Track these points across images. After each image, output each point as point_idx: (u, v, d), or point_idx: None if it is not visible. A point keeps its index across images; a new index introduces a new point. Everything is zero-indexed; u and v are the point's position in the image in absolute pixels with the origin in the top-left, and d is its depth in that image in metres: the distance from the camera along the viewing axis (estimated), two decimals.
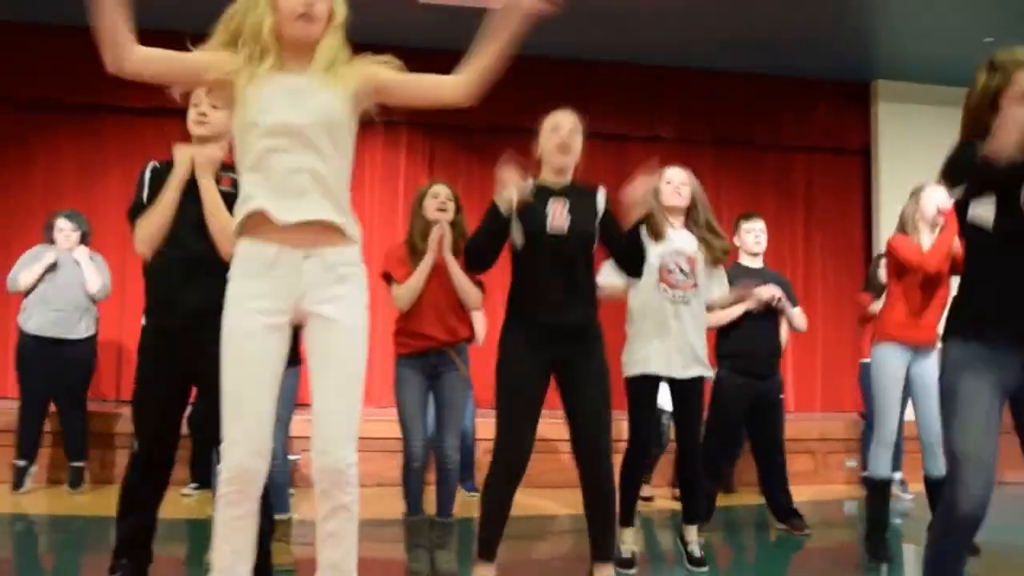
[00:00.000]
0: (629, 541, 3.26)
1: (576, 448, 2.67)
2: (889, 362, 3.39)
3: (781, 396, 4.15)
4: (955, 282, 2.13)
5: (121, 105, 5.93)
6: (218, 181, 2.39)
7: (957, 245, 3.24)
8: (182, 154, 2.38)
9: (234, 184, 2.31)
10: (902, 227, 3.46)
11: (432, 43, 6.08)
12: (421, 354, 3.12)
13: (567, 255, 2.63)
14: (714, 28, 5.75)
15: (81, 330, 4.48)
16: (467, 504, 4.05)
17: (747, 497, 4.77)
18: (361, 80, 1.88)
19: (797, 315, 4.03)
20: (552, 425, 2.94)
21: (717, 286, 3.38)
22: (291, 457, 3.68)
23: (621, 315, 3.31)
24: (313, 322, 1.82)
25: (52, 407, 4.53)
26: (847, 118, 6.73)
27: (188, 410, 2.57)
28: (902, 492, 4.90)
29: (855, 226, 6.83)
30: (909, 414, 3.52)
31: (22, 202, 5.92)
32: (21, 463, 4.40)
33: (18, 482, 4.40)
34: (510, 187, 2.53)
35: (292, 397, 3.14)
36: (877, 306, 3.92)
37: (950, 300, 2.15)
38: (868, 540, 3.44)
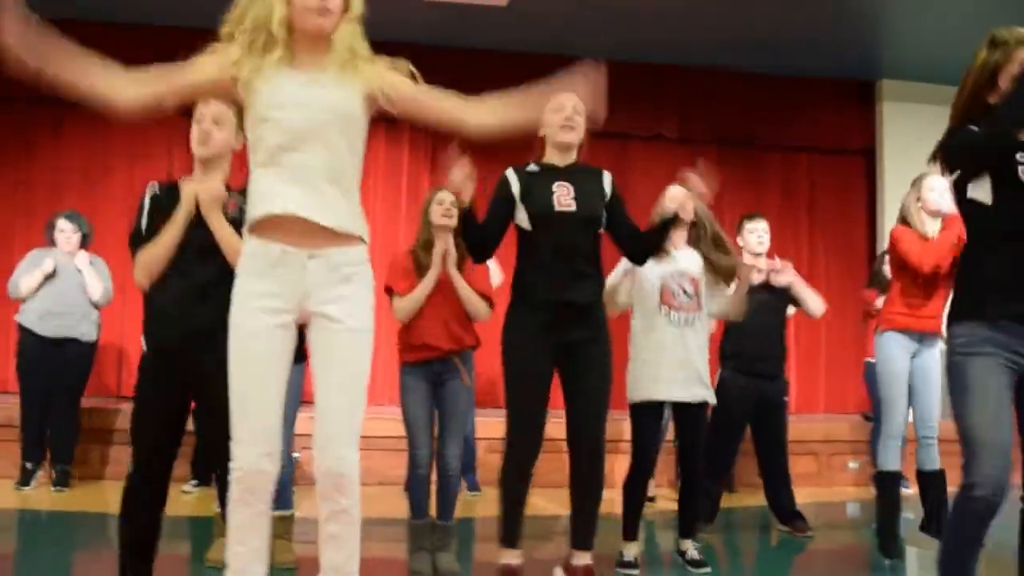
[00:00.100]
0: (632, 551, 3.26)
1: (571, 438, 2.65)
2: (894, 352, 3.38)
3: (785, 398, 4.13)
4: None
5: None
6: (224, 208, 2.36)
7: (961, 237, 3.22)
8: (187, 192, 2.35)
9: (238, 207, 2.32)
10: (903, 218, 3.45)
11: (437, 41, 6.09)
12: (425, 362, 3.12)
13: (573, 235, 2.61)
14: (717, 27, 5.73)
15: (82, 332, 4.48)
16: (468, 503, 4.04)
17: (749, 498, 4.75)
18: (378, 84, 1.86)
19: (811, 297, 3.89)
20: (554, 425, 2.93)
21: (716, 305, 3.31)
22: (293, 455, 3.67)
23: (623, 332, 3.26)
24: (317, 322, 1.81)
25: None
26: (851, 118, 6.71)
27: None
28: (903, 487, 4.88)
29: (859, 227, 6.81)
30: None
31: (25, 199, 5.93)
32: (28, 465, 4.43)
33: (25, 481, 4.42)
34: (459, 186, 2.49)
35: (297, 394, 3.14)
36: (881, 302, 3.90)
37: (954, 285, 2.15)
38: (880, 537, 3.42)
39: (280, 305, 1.79)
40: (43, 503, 4.22)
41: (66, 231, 4.49)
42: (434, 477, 3.19)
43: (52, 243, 4.54)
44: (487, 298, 3.17)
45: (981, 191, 1.98)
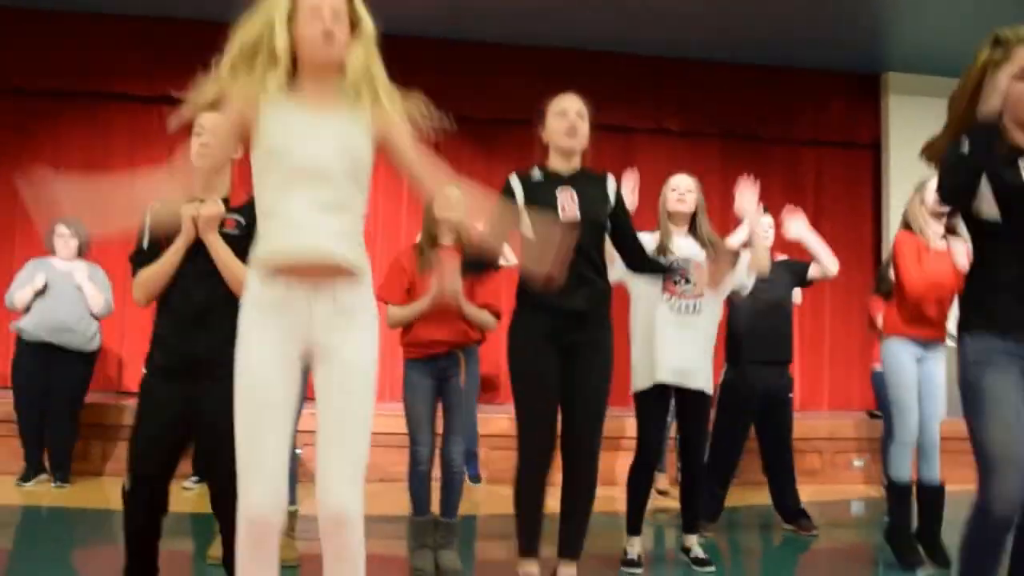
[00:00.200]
0: (636, 546, 3.23)
1: (565, 440, 2.61)
2: (901, 359, 3.35)
3: (791, 395, 4.10)
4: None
5: (125, 93, 5.91)
6: (222, 224, 2.33)
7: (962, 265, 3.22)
8: (186, 215, 2.31)
9: (238, 225, 2.31)
10: (907, 223, 3.42)
11: (438, 33, 6.06)
12: (429, 358, 3.10)
13: (578, 244, 2.56)
14: (721, 20, 5.68)
15: (79, 345, 4.47)
16: (471, 502, 4.02)
17: (752, 497, 4.73)
18: (385, 130, 1.82)
19: (825, 253, 3.78)
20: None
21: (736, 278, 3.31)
22: (296, 451, 3.65)
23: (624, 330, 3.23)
24: (321, 361, 1.78)
25: None
26: (857, 111, 6.66)
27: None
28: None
29: (865, 220, 6.76)
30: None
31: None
32: (30, 471, 4.44)
33: (26, 477, 4.43)
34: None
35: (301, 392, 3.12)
36: (881, 320, 3.86)
37: (959, 295, 2.10)
38: (899, 550, 3.36)
39: (285, 345, 1.76)
40: (44, 499, 4.21)
41: (64, 236, 4.52)
42: (437, 473, 3.17)
43: (52, 248, 4.56)
44: (494, 310, 3.16)
45: (985, 204, 1.94)
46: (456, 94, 6.20)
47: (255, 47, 1.76)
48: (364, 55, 1.80)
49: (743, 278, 3.35)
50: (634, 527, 3.25)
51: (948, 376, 3.25)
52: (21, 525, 3.84)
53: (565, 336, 2.56)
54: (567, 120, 2.60)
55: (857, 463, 5.40)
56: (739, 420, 3.90)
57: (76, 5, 5.73)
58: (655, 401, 3.18)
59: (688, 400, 3.21)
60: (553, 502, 2.72)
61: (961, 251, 3.25)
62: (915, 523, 3.39)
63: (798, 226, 3.75)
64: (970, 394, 1.92)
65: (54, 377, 4.41)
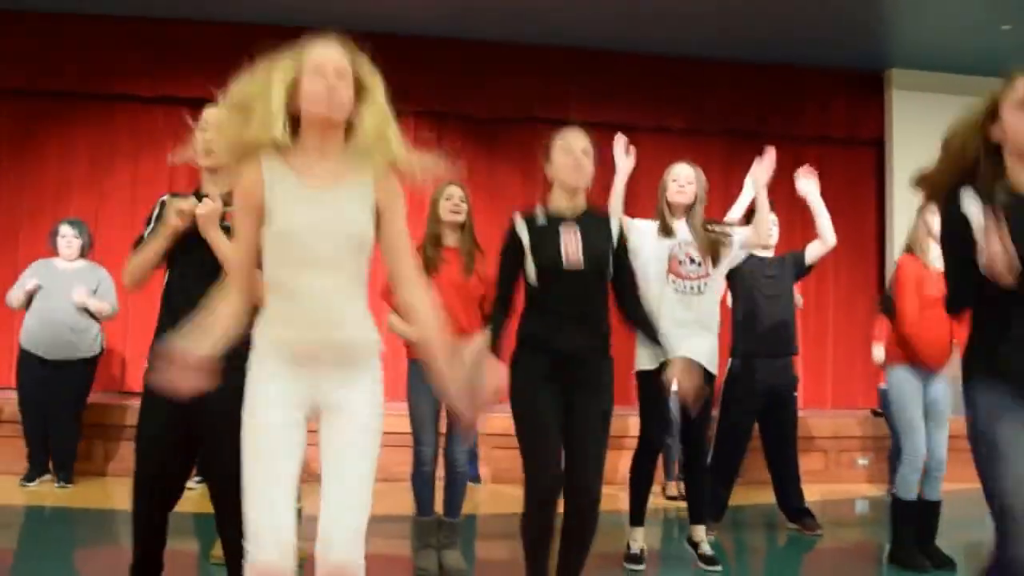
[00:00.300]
0: (639, 539, 3.22)
1: (567, 477, 2.51)
2: (906, 387, 3.35)
3: (795, 392, 4.09)
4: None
5: (131, 94, 5.91)
6: (223, 218, 2.33)
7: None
8: (171, 206, 2.31)
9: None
10: (910, 247, 3.43)
11: (440, 33, 6.05)
12: None
13: (580, 291, 2.52)
14: (724, 18, 5.66)
15: (81, 350, 4.47)
16: (473, 501, 4.01)
17: (756, 496, 4.71)
18: (385, 203, 1.80)
19: (826, 220, 3.76)
20: None
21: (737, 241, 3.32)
22: None
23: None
24: (327, 416, 1.79)
25: None
26: (860, 108, 6.63)
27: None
28: None
29: (868, 217, 6.74)
30: None
31: (34, 193, 5.91)
32: (34, 471, 4.46)
33: (30, 477, 4.44)
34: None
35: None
36: (881, 353, 3.84)
37: (966, 334, 2.01)
38: (899, 553, 3.36)
39: (292, 401, 1.77)
40: (47, 499, 4.22)
41: (67, 236, 4.53)
42: (440, 473, 3.17)
43: (55, 249, 4.57)
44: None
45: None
46: (458, 93, 6.22)
47: (250, 104, 1.74)
48: (376, 119, 1.77)
49: (738, 254, 3.34)
50: (637, 517, 3.22)
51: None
52: (25, 525, 3.84)
53: (565, 374, 2.50)
54: (572, 157, 2.55)
55: (861, 462, 5.38)
56: (743, 416, 3.88)
57: (78, 7, 5.74)
58: (658, 381, 3.15)
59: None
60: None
61: None
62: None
63: (809, 185, 3.73)
64: (983, 446, 1.85)
65: (57, 380, 4.41)
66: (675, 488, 4.65)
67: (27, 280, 4.48)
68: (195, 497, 4.17)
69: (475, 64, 6.15)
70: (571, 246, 2.51)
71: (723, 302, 3.47)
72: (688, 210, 3.25)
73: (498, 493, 4.64)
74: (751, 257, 3.91)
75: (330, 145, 1.78)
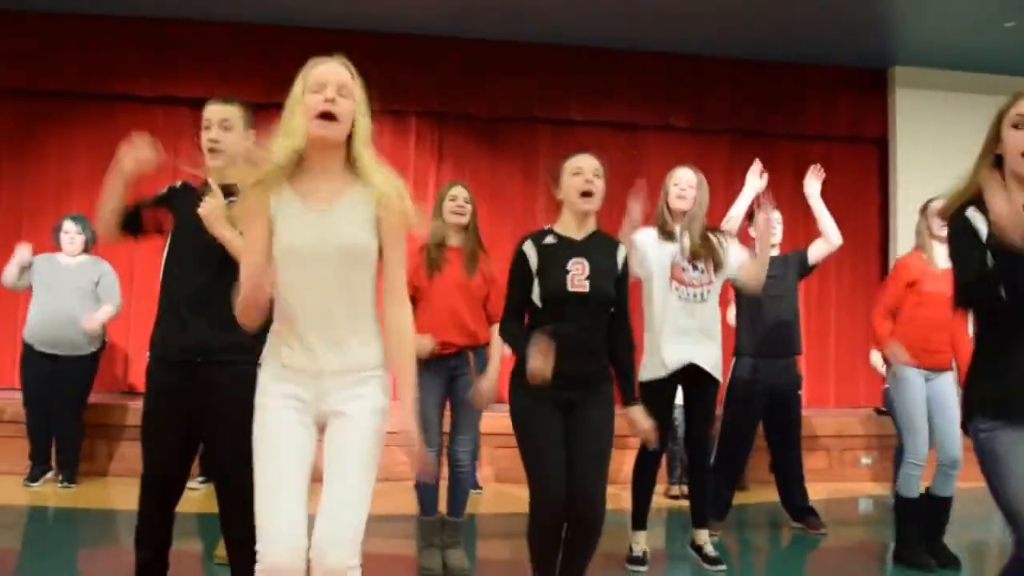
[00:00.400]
0: (641, 542, 3.22)
1: (570, 490, 2.48)
2: (909, 387, 3.35)
3: (799, 392, 4.08)
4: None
5: (132, 94, 5.91)
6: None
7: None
8: (122, 155, 2.30)
9: None
10: (918, 246, 3.47)
11: (441, 32, 6.04)
12: (439, 358, 3.10)
13: (583, 315, 2.51)
14: (728, 17, 5.65)
15: (83, 346, 4.48)
16: (474, 500, 4.01)
17: (760, 495, 4.71)
18: (385, 220, 1.82)
19: (829, 224, 3.77)
20: None
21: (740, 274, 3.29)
22: None
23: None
24: (331, 422, 1.81)
25: None
26: (864, 105, 6.61)
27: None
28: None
29: (872, 216, 6.72)
30: None
31: (35, 193, 5.92)
32: (37, 470, 4.46)
33: (33, 477, 4.45)
34: (534, 372, 2.37)
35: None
36: (879, 360, 3.84)
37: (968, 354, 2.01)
38: (903, 553, 3.36)
39: (301, 407, 1.81)
40: (50, 499, 4.22)
41: (70, 232, 4.54)
42: (444, 473, 3.16)
43: (58, 245, 4.57)
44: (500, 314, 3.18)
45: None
46: (458, 92, 6.20)
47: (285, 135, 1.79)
48: (368, 157, 1.80)
49: (732, 273, 3.28)
50: (639, 522, 3.23)
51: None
52: (28, 526, 3.85)
53: (567, 394, 2.49)
54: (582, 178, 2.53)
55: (865, 460, 5.37)
56: (748, 415, 3.87)
57: (78, 7, 5.73)
58: (661, 390, 3.17)
59: (695, 385, 3.20)
60: None
61: None
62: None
63: (814, 187, 3.75)
64: (990, 461, 1.87)
65: (61, 375, 4.42)
66: (678, 490, 4.65)
67: (20, 253, 4.47)
68: (198, 497, 4.18)
69: (476, 63, 6.14)
70: (578, 273, 2.50)
71: (722, 302, 3.46)
72: (686, 216, 3.23)
73: (501, 493, 4.64)
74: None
75: (332, 164, 1.81)
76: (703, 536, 3.29)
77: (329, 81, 1.77)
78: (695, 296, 3.16)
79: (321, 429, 1.83)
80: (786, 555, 3.79)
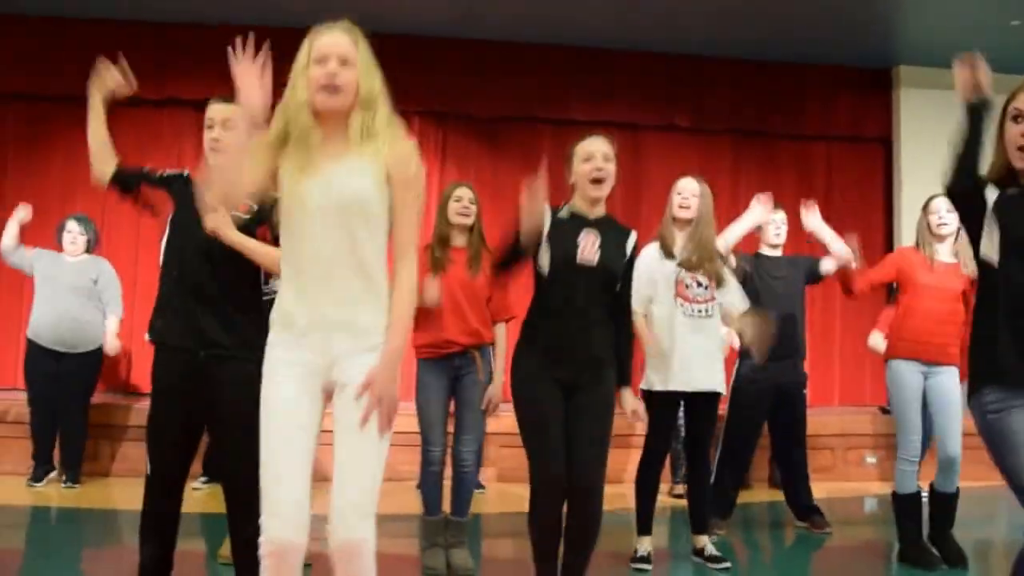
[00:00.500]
0: (646, 545, 3.22)
1: (570, 478, 2.50)
2: (905, 380, 3.34)
3: (804, 391, 4.07)
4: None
5: (135, 96, 5.91)
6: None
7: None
8: (93, 83, 2.47)
9: (250, 208, 2.34)
10: (918, 243, 3.48)
11: (443, 33, 6.04)
12: (444, 357, 3.10)
13: (589, 288, 2.51)
14: (730, 17, 5.64)
15: (88, 343, 4.49)
16: (477, 500, 4.01)
17: (765, 494, 4.70)
18: (392, 175, 1.82)
19: (838, 243, 3.73)
20: None
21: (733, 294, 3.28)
22: None
23: None
24: (340, 391, 1.80)
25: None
26: (868, 105, 6.59)
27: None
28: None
29: (876, 215, 6.70)
30: None
31: (40, 195, 5.92)
32: (40, 470, 4.47)
33: (37, 477, 4.46)
34: (530, 214, 2.39)
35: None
36: (879, 341, 3.83)
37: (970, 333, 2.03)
38: (908, 552, 3.35)
39: (307, 376, 1.80)
40: (54, 499, 4.23)
41: (73, 232, 4.56)
42: (448, 472, 3.16)
43: (61, 245, 4.59)
44: (508, 312, 3.20)
45: (991, 248, 1.90)
46: (460, 93, 6.20)
47: (287, 114, 1.82)
48: (364, 120, 1.81)
49: (727, 298, 3.25)
50: (644, 527, 3.23)
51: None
52: (32, 526, 3.85)
53: (568, 375, 2.49)
54: (593, 164, 2.53)
55: (870, 459, 5.34)
56: (752, 416, 3.86)
57: (82, 11, 5.75)
58: (665, 401, 3.18)
59: (699, 399, 3.23)
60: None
61: (968, 256, 3.24)
62: (927, 526, 3.38)
63: (814, 219, 3.75)
64: (997, 439, 1.86)
65: (64, 372, 4.43)
66: (682, 488, 4.64)
67: (19, 213, 4.50)
68: (201, 497, 4.19)
69: (477, 64, 6.14)
70: (588, 245, 2.51)
71: None
72: (691, 223, 3.22)
73: (504, 492, 4.63)
74: (761, 257, 3.90)
75: (340, 128, 1.82)
76: (703, 540, 3.30)
77: (331, 54, 1.78)
78: (700, 312, 3.17)
79: (329, 395, 1.82)
80: (791, 554, 3.77)
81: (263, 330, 1.88)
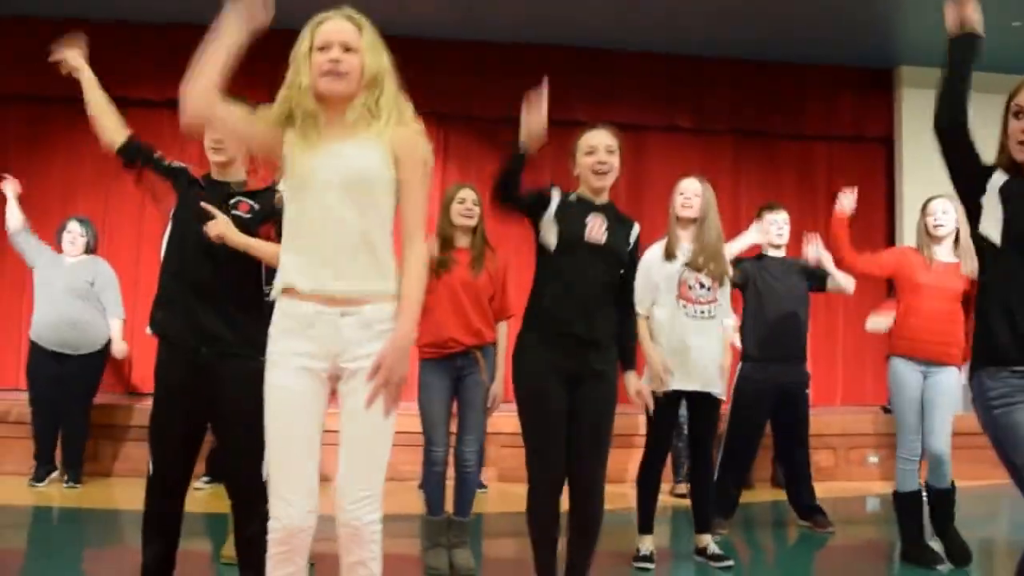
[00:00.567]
0: (648, 544, 3.21)
1: (570, 473, 2.51)
2: (904, 378, 3.35)
3: (807, 391, 4.06)
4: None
5: (138, 97, 5.92)
6: (236, 207, 2.36)
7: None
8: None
9: (251, 209, 2.35)
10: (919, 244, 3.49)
11: (445, 34, 6.05)
12: (446, 357, 3.11)
13: (596, 267, 2.52)
14: (731, 17, 5.64)
15: (90, 343, 4.50)
16: (478, 500, 4.00)
17: (768, 493, 4.70)
18: (399, 155, 1.83)
19: (842, 277, 3.80)
20: None
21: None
22: None
23: None
24: (347, 378, 1.80)
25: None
26: (869, 105, 6.59)
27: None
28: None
29: (878, 215, 6.70)
30: None
31: (42, 195, 5.93)
32: (42, 470, 4.48)
33: (39, 477, 4.46)
34: (530, 125, 2.43)
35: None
36: (881, 322, 3.84)
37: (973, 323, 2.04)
38: (910, 550, 3.35)
39: (315, 363, 1.80)
40: (55, 499, 4.23)
41: (72, 233, 4.57)
42: (450, 472, 3.16)
43: (60, 246, 4.60)
44: (509, 311, 3.21)
45: (991, 225, 1.91)
46: (463, 94, 6.20)
47: (293, 90, 1.84)
48: (366, 101, 1.82)
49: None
50: (645, 526, 3.23)
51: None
52: (34, 526, 3.85)
53: (572, 364, 2.48)
54: (596, 157, 2.56)
55: (872, 459, 5.34)
56: (755, 415, 3.86)
57: (84, 12, 5.76)
58: (667, 402, 3.18)
59: (700, 402, 3.24)
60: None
61: (968, 255, 3.24)
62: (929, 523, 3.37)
63: (815, 250, 3.79)
64: (1002, 435, 1.85)
65: (66, 374, 4.44)
66: (684, 487, 4.64)
67: (7, 188, 4.55)
68: (204, 497, 4.19)
69: (479, 65, 6.15)
70: (597, 225, 2.53)
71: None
72: (695, 223, 3.23)
73: (505, 492, 4.63)
74: (763, 258, 3.90)
75: (346, 111, 1.82)
76: (706, 539, 3.30)
77: (334, 41, 1.80)
78: (702, 313, 3.18)
79: (334, 383, 1.82)
80: (794, 553, 3.77)
81: (266, 328, 1.88)
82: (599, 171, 2.55)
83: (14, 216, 4.55)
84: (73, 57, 2.45)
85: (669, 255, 3.21)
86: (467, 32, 5.98)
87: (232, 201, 2.36)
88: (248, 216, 2.34)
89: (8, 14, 5.75)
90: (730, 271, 3.33)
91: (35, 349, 4.49)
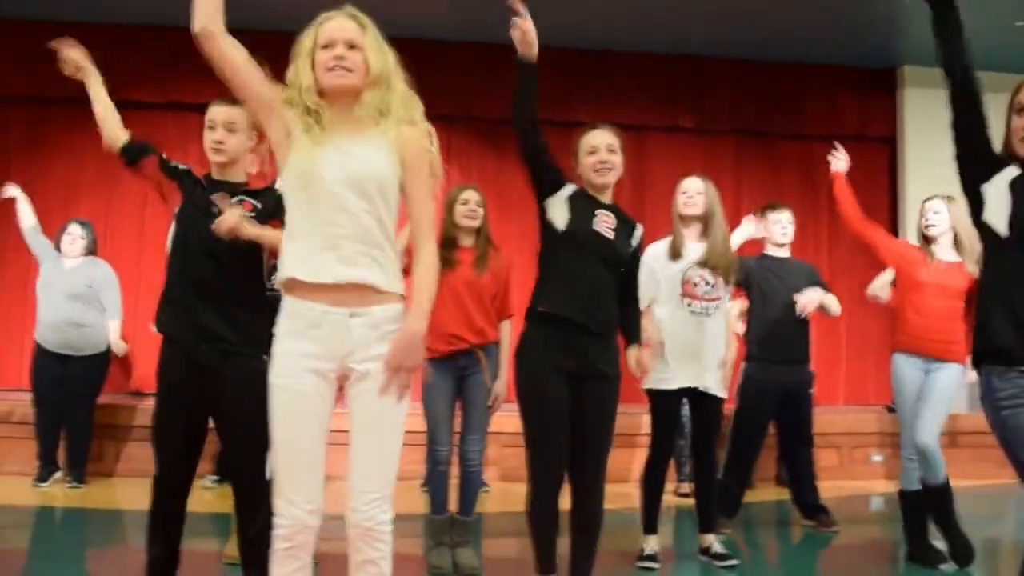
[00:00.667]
0: (652, 545, 3.21)
1: (571, 472, 2.51)
2: (906, 375, 3.34)
3: (811, 391, 4.06)
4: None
5: (139, 100, 5.94)
6: (239, 206, 2.36)
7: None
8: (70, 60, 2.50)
9: (254, 208, 2.35)
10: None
11: (446, 35, 6.05)
12: (449, 356, 3.10)
13: (602, 258, 2.52)
14: (733, 16, 5.64)
15: (93, 345, 4.51)
16: (480, 499, 4.00)
17: (769, 492, 4.69)
18: (405, 155, 1.83)
19: (832, 303, 3.83)
20: None
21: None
22: None
23: None
24: (356, 379, 1.80)
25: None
26: (872, 105, 6.60)
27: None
28: None
29: (881, 215, 6.67)
30: None
31: (44, 197, 5.93)
32: (45, 470, 4.49)
33: (42, 477, 4.47)
34: (523, 40, 2.49)
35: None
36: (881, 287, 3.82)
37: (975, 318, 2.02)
38: (914, 549, 3.34)
39: (322, 364, 1.79)
40: (59, 499, 4.23)
41: (73, 235, 4.60)
42: (453, 471, 3.16)
43: (59, 247, 4.62)
44: (510, 310, 3.22)
45: (996, 215, 1.90)
46: (466, 95, 6.21)
47: (295, 87, 1.84)
48: (374, 99, 1.82)
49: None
50: (650, 526, 3.23)
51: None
52: (37, 526, 3.85)
53: (576, 362, 2.47)
54: (597, 157, 2.56)
55: (876, 458, 5.33)
56: (758, 415, 3.85)
57: (86, 15, 5.77)
58: (669, 399, 3.18)
59: (702, 401, 3.23)
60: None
61: (970, 256, 3.24)
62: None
63: (811, 302, 3.75)
64: (1010, 434, 1.85)
65: (69, 375, 4.45)
66: (687, 487, 4.63)
67: (8, 193, 4.62)
68: (209, 497, 4.19)
69: (480, 66, 6.15)
70: (605, 219, 2.55)
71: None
72: (699, 221, 3.23)
73: (507, 491, 4.63)
74: (766, 257, 3.89)
75: (351, 107, 1.83)
76: (709, 539, 3.29)
77: (338, 39, 1.80)
78: (704, 310, 3.18)
79: (341, 383, 1.82)
80: (798, 552, 3.77)
81: (268, 328, 1.88)
82: (601, 169, 2.55)
83: (27, 215, 4.62)
84: (80, 57, 2.45)
85: (675, 254, 3.21)
86: (468, 33, 5.98)
87: (234, 200, 2.37)
88: (251, 215, 2.34)
89: (9, 16, 5.76)
90: (736, 269, 3.33)
91: (39, 351, 4.51)
